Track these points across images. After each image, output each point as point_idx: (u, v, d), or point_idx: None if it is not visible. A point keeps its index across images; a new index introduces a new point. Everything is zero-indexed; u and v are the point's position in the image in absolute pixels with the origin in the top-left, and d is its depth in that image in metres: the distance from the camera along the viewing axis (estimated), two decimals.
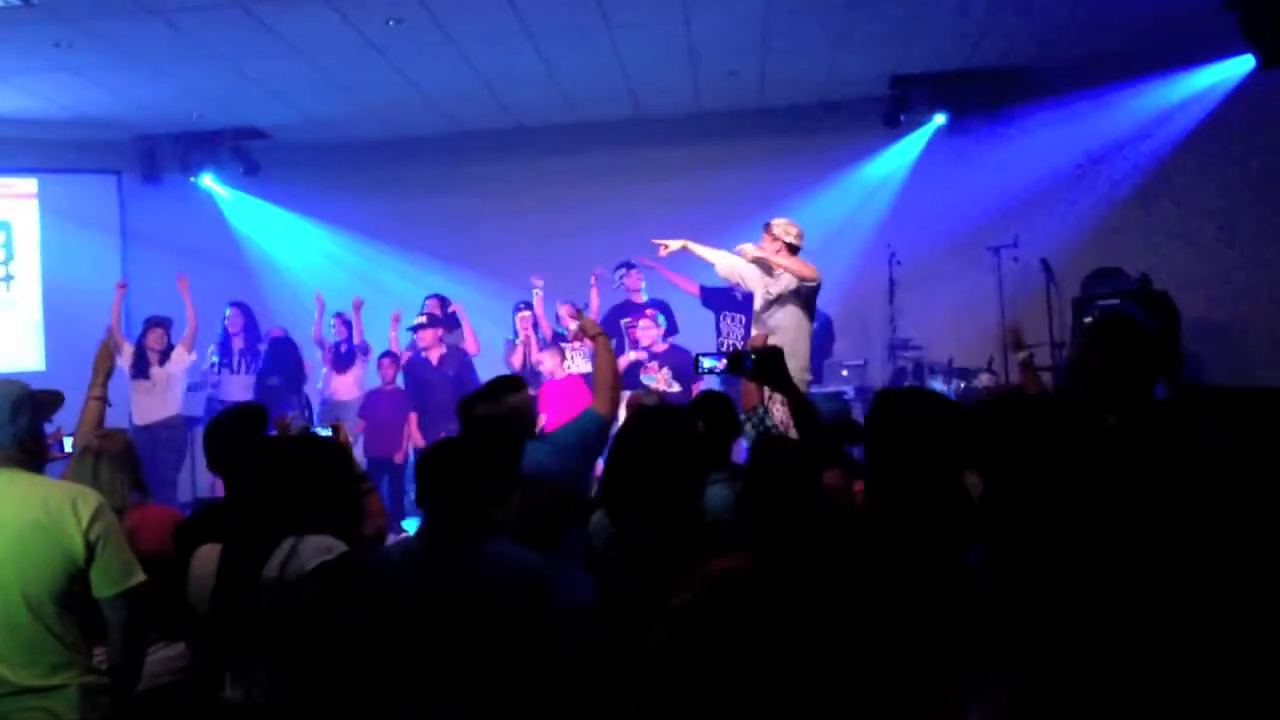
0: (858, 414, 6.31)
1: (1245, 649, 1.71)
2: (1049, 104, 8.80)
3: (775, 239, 6.24)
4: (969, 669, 1.87)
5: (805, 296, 6.19)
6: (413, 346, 8.78)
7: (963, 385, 8.00)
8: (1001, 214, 9.00)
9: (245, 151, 10.21)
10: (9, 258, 10.22)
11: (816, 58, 8.58)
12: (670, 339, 8.23)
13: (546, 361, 8.03)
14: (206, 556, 3.06)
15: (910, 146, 9.54)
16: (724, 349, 7.66)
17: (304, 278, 10.24)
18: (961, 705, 1.84)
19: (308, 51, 7.91)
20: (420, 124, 9.88)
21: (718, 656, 2.22)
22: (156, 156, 10.39)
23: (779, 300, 6.22)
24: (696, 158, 9.54)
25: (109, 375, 4.53)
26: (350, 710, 2.64)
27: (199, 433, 5.72)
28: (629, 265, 8.51)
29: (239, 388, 8.72)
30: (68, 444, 4.23)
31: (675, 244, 6.71)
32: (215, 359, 8.96)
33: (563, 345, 8.24)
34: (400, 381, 8.75)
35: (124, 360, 8.22)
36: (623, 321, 8.41)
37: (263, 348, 8.94)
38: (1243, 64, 8.12)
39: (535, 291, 8.53)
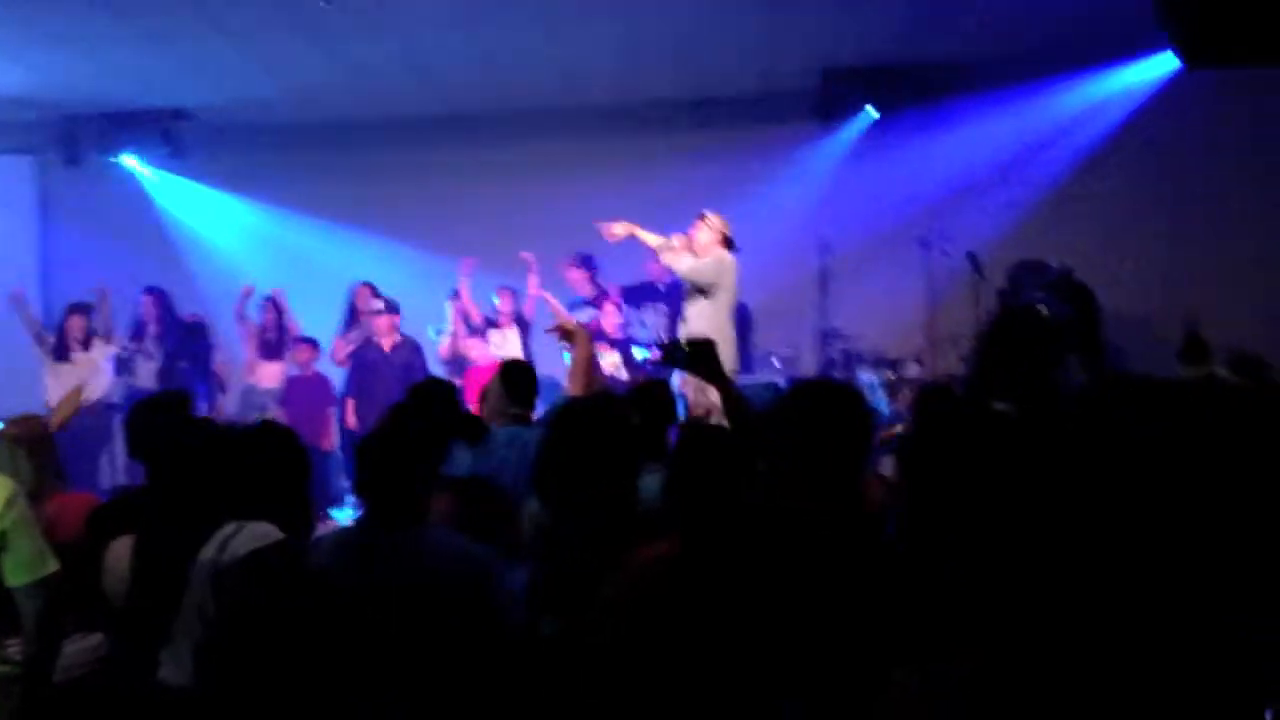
0: None
1: (1180, 632, 1.73)
2: (978, 99, 8.88)
3: (713, 230, 6.32)
4: (925, 659, 1.87)
5: (720, 288, 6.24)
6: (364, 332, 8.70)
7: (892, 375, 8.12)
8: (930, 206, 9.10)
9: (171, 133, 9.93)
10: None
11: (749, 50, 8.60)
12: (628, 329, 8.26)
13: (474, 350, 8.27)
14: (122, 547, 3.01)
15: (842, 139, 9.61)
16: (655, 340, 7.70)
17: (232, 257, 10.10)
18: (922, 696, 1.84)
19: (238, 32, 7.75)
20: (351, 107, 9.71)
21: (648, 644, 2.21)
22: (78, 137, 10.06)
23: (699, 291, 6.27)
24: (629, 148, 9.51)
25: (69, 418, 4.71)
26: (291, 701, 2.59)
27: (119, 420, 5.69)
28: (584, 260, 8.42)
29: (148, 373, 8.68)
30: None
31: (620, 228, 6.70)
32: (126, 344, 8.86)
33: (489, 331, 8.38)
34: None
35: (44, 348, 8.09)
36: (587, 312, 8.34)
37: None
38: (1165, 62, 8.29)
39: (462, 278, 8.51)
